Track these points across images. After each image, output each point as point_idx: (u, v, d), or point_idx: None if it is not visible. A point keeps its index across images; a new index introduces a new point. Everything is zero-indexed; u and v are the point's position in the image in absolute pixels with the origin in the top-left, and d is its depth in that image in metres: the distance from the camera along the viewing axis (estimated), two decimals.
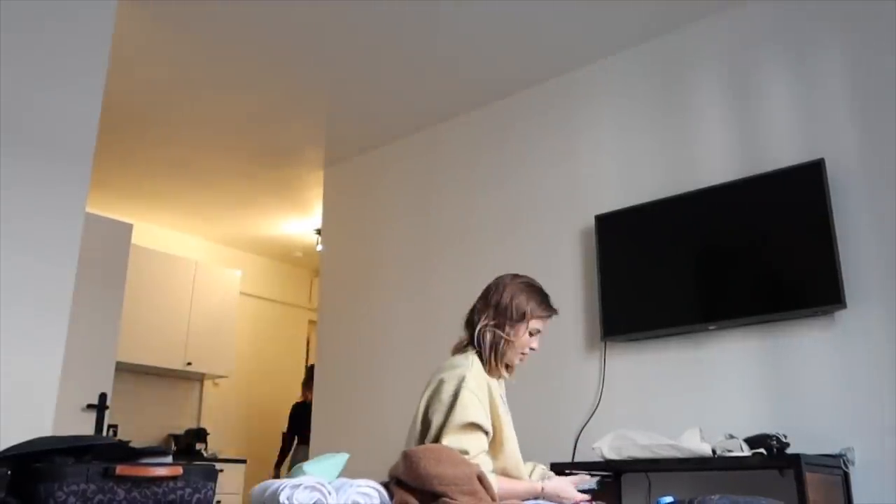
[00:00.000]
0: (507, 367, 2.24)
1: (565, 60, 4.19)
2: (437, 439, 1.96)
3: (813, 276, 3.07)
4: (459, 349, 2.23)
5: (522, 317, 2.18)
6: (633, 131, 3.93)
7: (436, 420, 2.00)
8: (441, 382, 2.07)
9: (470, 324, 2.24)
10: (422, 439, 2.03)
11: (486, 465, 1.96)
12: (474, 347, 2.18)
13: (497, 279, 2.32)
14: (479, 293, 4.44)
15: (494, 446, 2.09)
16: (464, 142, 4.74)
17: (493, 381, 2.19)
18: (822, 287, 3.03)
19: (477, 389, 2.04)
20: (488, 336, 2.17)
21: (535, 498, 2.02)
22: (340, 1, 3.70)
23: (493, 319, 2.19)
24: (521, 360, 2.24)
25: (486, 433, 2.02)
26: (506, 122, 4.53)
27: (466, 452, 1.91)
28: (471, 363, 2.12)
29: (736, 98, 3.58)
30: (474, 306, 2.28)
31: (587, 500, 2.10)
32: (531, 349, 2.22)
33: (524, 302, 2.20)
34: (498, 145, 4.53)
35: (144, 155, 5.47)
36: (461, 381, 2.03)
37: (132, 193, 6.17)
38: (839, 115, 3.25)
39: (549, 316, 2.25)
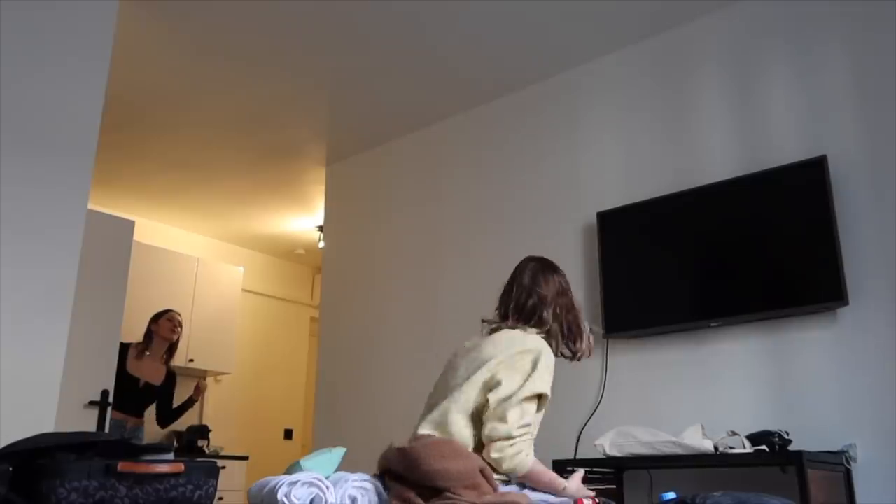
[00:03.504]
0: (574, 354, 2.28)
1: (567, 57, 4.18)
2: (506, 398, 1.99)
3: (815, 273, 3.07)
4: (513, 325, 2.23)
5: (567, 293, 2.28)
6: (636, 128, 3.92)
7: (508, 381, 2.02)
8: (518, 351, 2.10)
9: (526, 309, 2.24)
10: (489, 391, 2.04)
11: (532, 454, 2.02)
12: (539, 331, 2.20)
13: (540, 266, 2.33)
14: (480, 292, 4.43)
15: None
16: (466, 139, 4.73)
17: None
18: (825, 284, 3.03)
19: (551, 366, 2.11)
20: (565, 321, 2.23)
21: (555, 494, 2.04)
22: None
23: (563, 307, 2.24)
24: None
25: (539, 408, 2.08)
26: (508, 119, 4.53)
27: (528, 424, 1.97)
28: (545, 343, 2.16)
29: (738, 94, 3.58)
30: (531, 292, 2.26)
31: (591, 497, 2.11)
32: None
33: (560, 279, 2.28)
34: (500, 142, 4.52)
35: (146, 152, 5.47)
36: (539, 352, 2.09)
37: (134, 190, 6.18)
38: (842, 112, 3.24)
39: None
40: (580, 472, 2.18)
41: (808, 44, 3.41)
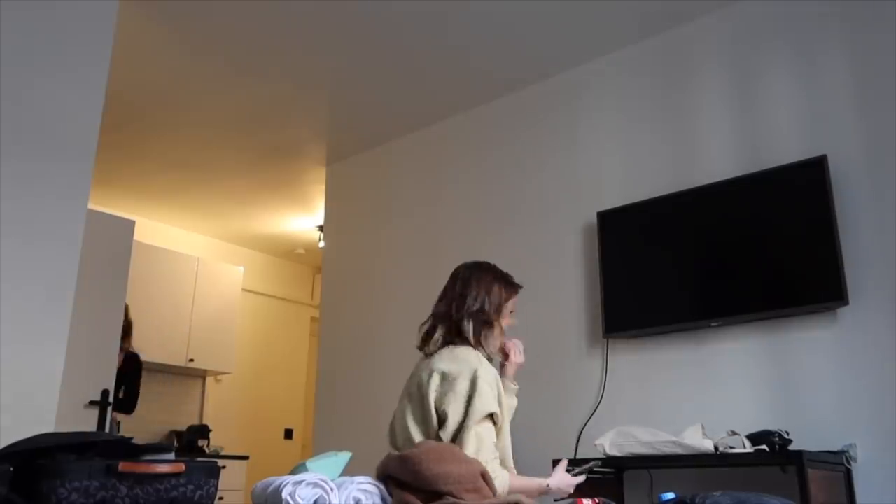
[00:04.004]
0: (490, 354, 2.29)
1: (568, 57, 4.18)
2: (457, 431, 2.01)
3: (815, 273, 3.07)
4: (443, 344, 2.23)
5: (498, 308, 2.26)
6: (636, 128, 3.92)
7: (454, 412, 2.04)
8: (454, 375, 2.10)
9: (446, 320, 2.26)
10: (437, 430, 2.06)
11: (503, 477, 2.00)
12: (463, 342, 2.21)
13: (460, 273, 2.39)
14: None
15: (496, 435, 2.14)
16: (466, 138, 4.73)
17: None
18: (825, 284, 3.03)
19: (492, 381, 2.11)
20: (481, 330, 2.22)
21: (542, 494, 2.07)
22: None
23: (476, 313, 2.23)
24: (503, 344, 2.34)
25: (496, 423, 2.10)
26: (508, 118, 4.53)
27: (487, 459, 1.96)
28: (478, 356, 2.17)
29: (738, 94, 3.57)
30: (449, 304, 2.30)
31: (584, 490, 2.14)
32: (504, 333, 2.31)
33: (497, 291, 2.28)
34: (500, 142, 4.53)
35: (147, 152, 5.47)
36: (474, 372, 2.09)
37: (134, 190, 6.18)
38: (842, 112, 3.24)
39: (517, 292, 2.33)
40: (562, 463, 2.21)
41: (808, 44, 3.41)
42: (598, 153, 4.05)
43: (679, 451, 2.86)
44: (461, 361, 2.13)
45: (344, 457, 1.82)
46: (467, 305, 2.24)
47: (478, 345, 2.20)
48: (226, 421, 6.83)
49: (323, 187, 5.72)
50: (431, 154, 4.93)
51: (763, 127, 3.46)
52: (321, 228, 6.33)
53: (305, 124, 5.06)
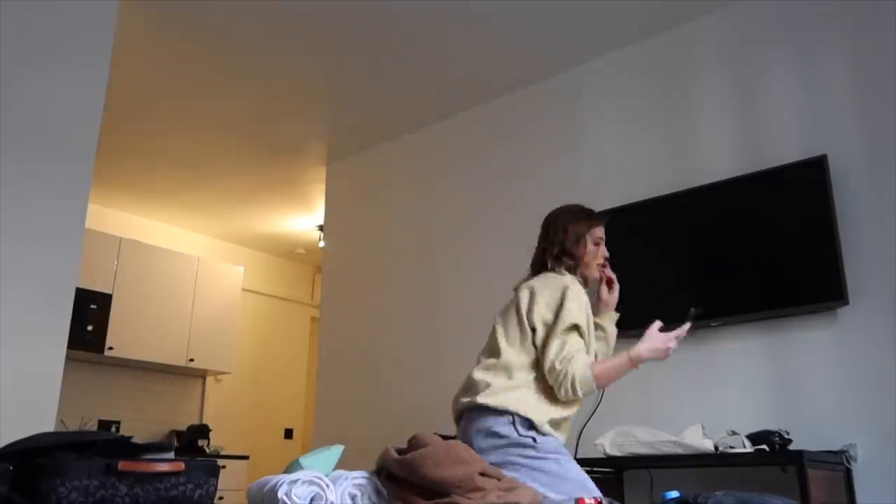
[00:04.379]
0: (587, 280, 2.43)
1: (568, 57, 4.18)
2: (546, 338, 2.22)
3: (815, 273, 3.07)
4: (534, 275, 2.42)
5: (577, 240, 2.41)
6: (636, 128, 3.92)
7: (540, 321, 2.25)
8: (543, 289, 2.30)
9: (541, 265, 2.44)
10: (531, 339, 2.26)
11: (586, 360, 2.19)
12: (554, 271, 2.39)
13: (547, 218, 2.57)
14: (481, 289, 4.44)
15: None
16: (466, 138, 4.73)
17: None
18: (825, 283, 3.03)
19: (579, 297, 2.27)
20: (569, 262, 2.39)
21: (632, 368, 2.22)
22: None
23: (559, 254, 2.41)
24: (601, 272, 2.47)
25: (583, 336, 2.24)
26: (508, 118, 4.53)
27: (571, 354, 2.16)
28: (572, 279, 2.35)
29: (738, 94, 3.57)
30: (538, 252, 2.50)
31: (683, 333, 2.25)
32: (606, 258, 2.45)
33: (574, 227, 2.43)
34: (500, 141, 4.52)
35: (147, 152, 5.47)
36: (563, 287, 2.27)
37: (135, 190, 6.18)
38: (842, 111, 3.24)
39: (601, 223, 2.47)
40: (654, 324, 2.33)
41: (808, 44, 3.41)
42: (598, 153, 4.05)
43: (679, 450, 2.86)
44: (552, 279, 2.32)
45: (337, 450, 1.82)
46: (551, 247, 2.42)
47: (569, 271, 2.37)
48: (226, 421, 6.83)
49: (323, 187, 5.72)
50: (431, 154, 4.93)
51: (763, 127, 3.46)
52: (321, 228, 6.33)
53: (305, 124, 5.06)
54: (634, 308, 3.61)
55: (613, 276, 2.53)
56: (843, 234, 3.06)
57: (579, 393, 2.14)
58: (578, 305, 2.24)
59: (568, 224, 2.44)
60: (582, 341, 2.23)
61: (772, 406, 3.15)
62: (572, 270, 2.38)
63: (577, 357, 2.16)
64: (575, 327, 2.21)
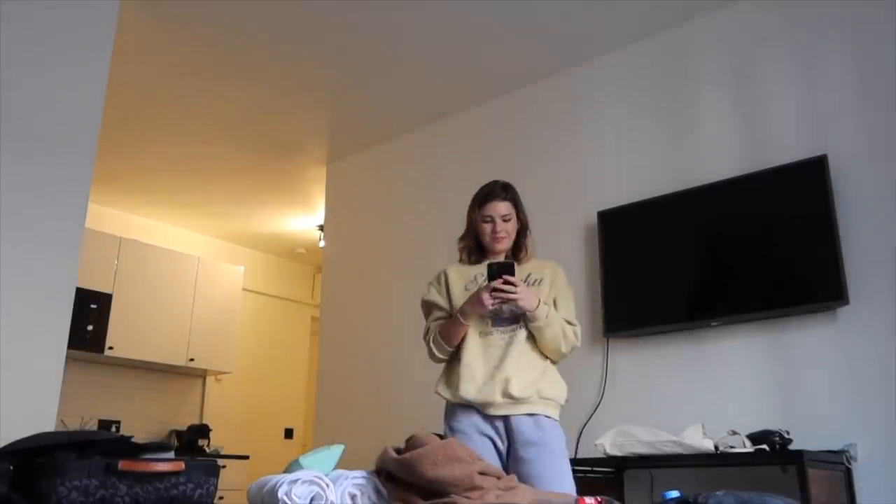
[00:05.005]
0: (488, 251, 2.64)
1: (568, 56, 4.18)
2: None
3: (816, 273, 3.07)
4: None
5: (470, 223, 2.69)
6: (637, 127, 3.92)
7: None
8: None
9: None
10: None
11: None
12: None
13: None
14: None
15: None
16: (466, 138, 4.73)
17: (470, 269, 2.63)
18: (825, 283, 3.03)
19: (436, 276, 2.69)
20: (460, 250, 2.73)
21: (461, 324, 2.45)
22: None
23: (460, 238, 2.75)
24: (495, 245, 2.61)
25: (441, 309, 2.58)
26: (509, 117, 4.53)
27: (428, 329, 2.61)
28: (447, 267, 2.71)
29: (739, 94, 3.57)
30: None
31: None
32: (494, 233, 2.60)
33: (469, 212, 2.69)
34: (501, 141, 4.52)
35: (147, 151, 5.47)
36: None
37: (135, 189, 6.18)
38: (842, 111, 3.24)
39: (486, 202, 2.62)
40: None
41: (809, 43, 3.41)
42: (599, 153, 4.05)
43: (679, 450, 2.86)
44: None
45: (337, 450, 1.82)
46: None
47: (462, 253, 2.72)
48: (226, 420, 6.83)
49: (323, 186, 5.72)
50: (431, 153, 4.93)
51: (763, 126, 3.46)
52: (321, 228, 6.33)
53: (305, 123, 5.06)
54: (634, 307, 3.63)
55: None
56: (843, 234, 3.06)
57: (437, 356, 2.53)
58: (447, 290, 2.61)
59: (468, 213, 2.70)
60: (432, 315, 2.62)
61: (772, 406, 3.15)
62: (468, 252, 2.67)
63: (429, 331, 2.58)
64: (423, 303, 2.66)
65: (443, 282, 2.65)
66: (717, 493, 1.33)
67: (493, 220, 2.60)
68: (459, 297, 2.54)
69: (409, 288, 4.77)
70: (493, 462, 2.30)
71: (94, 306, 5.73)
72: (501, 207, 2.61)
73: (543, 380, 2.43)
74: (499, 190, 2.65)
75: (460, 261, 2.70)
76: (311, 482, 1.60)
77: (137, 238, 6.32)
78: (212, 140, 5.30)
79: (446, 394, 2.49)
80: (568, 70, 4.29)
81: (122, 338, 5.89)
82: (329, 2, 3.73)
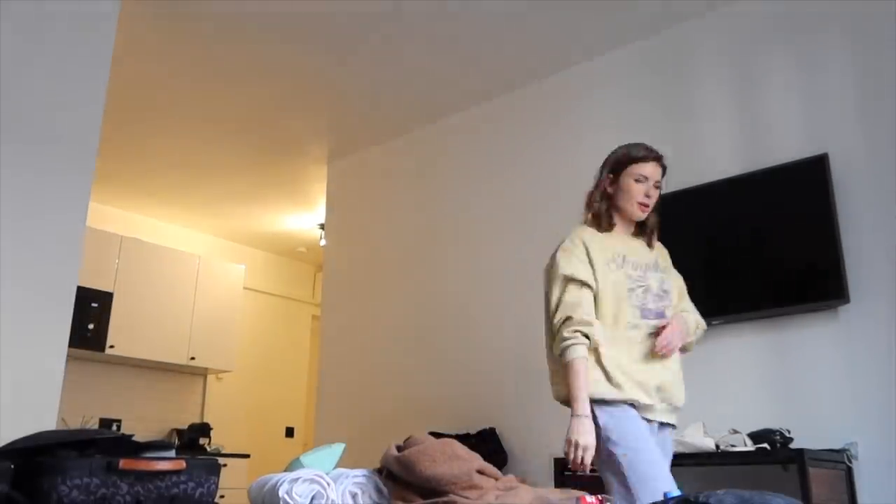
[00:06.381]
0: (634, 221, 2.34)
1: (568, 55, 4.18)
2: (547, 299, 2.21)
3: (816, 271, 3.07)
4: None
5: (619, 165, 2.31)
6: (636, 126, 3.91)
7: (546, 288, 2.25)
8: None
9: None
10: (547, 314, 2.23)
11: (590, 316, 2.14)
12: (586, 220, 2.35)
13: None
14: (481, 287, 4.42)
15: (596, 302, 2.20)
16: (467, 137, 4.73)
17: (610, 239, 2.29)
18: (826, 282, 3.03)
19: (569, 245, 2.24)
20: (595, 197, 2.35)
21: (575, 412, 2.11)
22: None
23: (598, 185, 2.37)
24: (638, 211, 2.30)
25: (584, 284, 2.17)
26: (509, 117, 4.52)
27: (559, 303, 2.15)
28: (572, 233, 2.31)
29: (739, 93, 3.57)
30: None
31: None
32: (647, 198, 2.28)
33: (619, 155, 2.34)
34: (501, 140, 4.52)
35: (148, 149, 5.47)
36: (560, 243, 2.26)
37: (136, 189, 6.18)
38: (843, 110, 3.24)
39: (644, 158, 2.31)
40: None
41: (809, 43, 3.40)
42: (599, 151, 4.03)
43: (680, 449, 2.86)
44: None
45: (337, 449, 1.82)
46: (596, 184, 2.42)
47: (596, 215, 2.32)
48: (227, 419, 6.83)
49: (324, 185, 5.72)
50: (432, 152, 4.93)
51: (764, 125, 3.46)
52: (322, 227, 6.33)
53: (306, 122, 5.05)
54: None
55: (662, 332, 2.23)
56: (843, 233, 3.06)
57: (565, 356, 2.10)
58: (566, 256, 2.20)
59: (608, 161, 2.36)
60: (582, 291, 2.16)
61: (773, 404, 3.15)
62: (603, 212, 2.31)
63: (572, 310, 2.12)
64: (567, 279, 2.17)
65: (584, 251, 2.23)
66: (718, 491, 1.33)
67: (647, 181, 2.28)
68: (602, 275, 2.19)
69: (410, 286, 4.77)
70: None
71: (95, 305, 5.73)
72: (657, 172, 2.30)
73: None
74: (658, 152, 2.32)
75: (585, 222, 2.35)
76: (312, 481, 1.60)
77: (138, 237, 6.32)
78: (213, 139, 5.30)
79: None
80: (568, 69, 4.28)
81: (123, 336, 5.89)
82: (329, 2, 3.73)
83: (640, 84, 3.96)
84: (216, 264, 6.82)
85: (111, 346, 5.81)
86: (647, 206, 2.27)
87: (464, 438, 3.73)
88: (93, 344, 5.70)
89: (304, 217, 6.76)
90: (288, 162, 5.64)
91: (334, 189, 5.59)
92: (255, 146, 5.40)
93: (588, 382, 2.08)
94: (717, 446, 2.83)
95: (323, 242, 6.02)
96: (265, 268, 7.70)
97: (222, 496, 1.95)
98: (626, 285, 2.21)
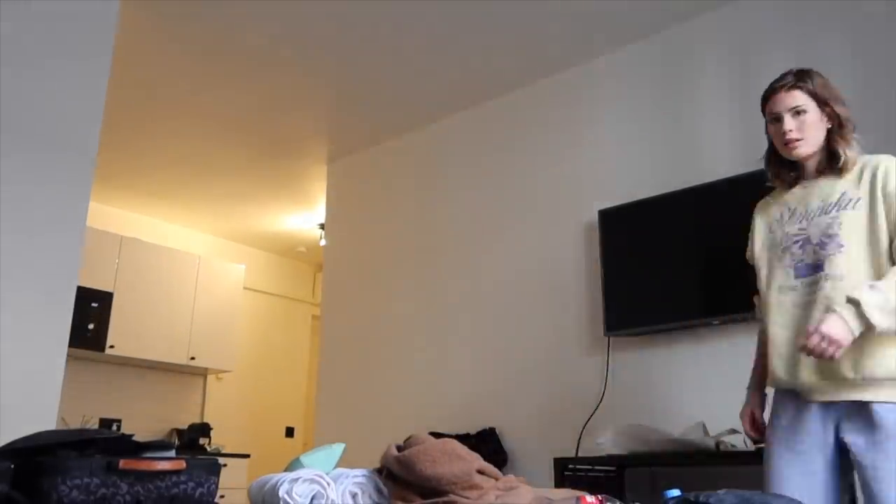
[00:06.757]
0: (790, 165, 2.19)
1: (569, 55, 4.18)
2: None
3: None
4: None
5: (763, 111, 2.17)
6: (637, 126, 3.92)
7: None
8: None
9: None
10: None
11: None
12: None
13: None
14: (481, 287, 4.42)
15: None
16: (467, 136, 4.73)
17: (776, 199, 2.24)
18: None
19: (755, 222, 2.26)
20: (766, 154, 2.21)
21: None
22: None
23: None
24: (788, 152, 2.13)
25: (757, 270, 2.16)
26: (509, 116, 4.52)
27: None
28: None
29: (739, 92, 3.57)
30: None
31: None
32: (787, 132, 2.08)
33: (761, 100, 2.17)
34: (501, 140, 4.52)
35: (148, 149, 5.47)
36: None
37: (135, 188, 6.18)
38: None
39: (770, 95, 2.16)
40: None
41: (809, 42, 3.40)
42: (599, 152, 4.05)
43: (680, 448, 2.86)
44: None
45: (338, 449, 1.82)
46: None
47: (767, 169, 2.25)
48: (227, 419, 6.83)
49: (324, 185, 5.72)
50: (432, 152, 4.93)
51: (763, 126, 3.45)
52: (322, 226, 6.33)
53: (306, 122, 5.05)
54: (635, 306, 3.63)
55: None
56: None
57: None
58: (751, 238, 2.22)
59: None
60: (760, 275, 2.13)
61: None
62: (771, 174, 2.21)
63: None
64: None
65: (751, 227, 2.19)
66: (719, 491, 1.33)
67: (780, 119, 2.07)
68: (760, 247, 2.17)
69: (410, 286, 4.77)
70: None
71: (95, 305, 5.74)
72: (789, 99, 2.05)
73: None
74: (788, 77, 2.11)
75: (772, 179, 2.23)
76: (312, 481, 1.60)
77: (138, 237, 6.32)
78: (213, 139, 5.30)
79: None
80: (569, 69, 4.29)
81: (123, 336, 5.90)
82: (329, 1, 3.73)
83: (640, 84, 3.96)
84: (216, 264, 6.82)
85: (111, 346, 5.81)
86: (794, 141, 2.05)
87: (464, 438, 3.73)
88: (93, 344, 5.70)
89: (304, 217, 6.76)
90: (288, 162, 5.64)
91: (334, 189, 5.59)
92: (256, 146, 5.40)
93: None
94: (718, 446, 2.82)
95: (323, 242, 6.02)
96: (265, 268, 7.70)
97: (222, 496, 1.96)
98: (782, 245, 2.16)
